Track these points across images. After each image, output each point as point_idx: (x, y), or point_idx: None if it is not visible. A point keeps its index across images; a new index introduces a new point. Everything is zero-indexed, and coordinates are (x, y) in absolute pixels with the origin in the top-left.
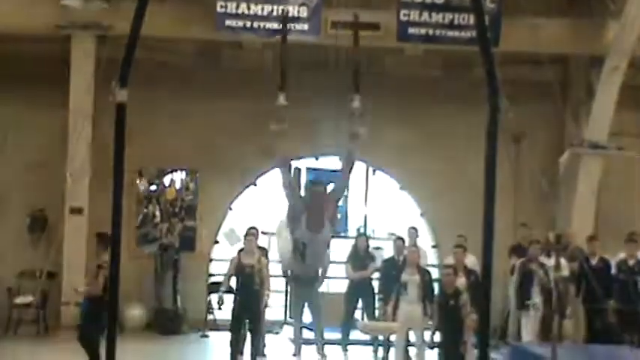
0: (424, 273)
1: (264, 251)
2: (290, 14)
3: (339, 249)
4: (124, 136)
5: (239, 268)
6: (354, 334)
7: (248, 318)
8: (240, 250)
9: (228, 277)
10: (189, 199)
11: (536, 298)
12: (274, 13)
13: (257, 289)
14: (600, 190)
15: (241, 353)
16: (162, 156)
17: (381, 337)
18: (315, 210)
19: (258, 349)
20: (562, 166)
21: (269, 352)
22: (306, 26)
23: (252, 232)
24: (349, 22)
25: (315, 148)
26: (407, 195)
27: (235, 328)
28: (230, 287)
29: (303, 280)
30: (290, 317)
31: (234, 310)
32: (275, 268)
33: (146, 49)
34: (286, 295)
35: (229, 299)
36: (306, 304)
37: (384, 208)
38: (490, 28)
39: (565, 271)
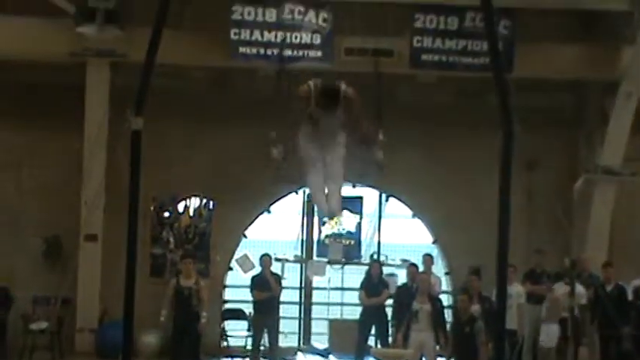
0: (435, 301)
1: (277, 278)
2: (303, 41)
3: (353, 276)
4: (139, 164)
5: (177, 291)
6: None
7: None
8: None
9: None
10: (202, 226)
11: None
12: (287, 41)
13: (195, 311)
14: (615, 216)
15: None
16: (175, 183)
17: None
18: None
19: None
20: (576, 192)
21: None
22: (319, 53)
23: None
24: (364, 49)
25: None
26: (420, 222)
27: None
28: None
29: None
30: None
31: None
32: None
33: (159, 76)
34: (300, 322)
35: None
36: None
37: (397, 234)
38: (503, 54)
39: (583, 299)
